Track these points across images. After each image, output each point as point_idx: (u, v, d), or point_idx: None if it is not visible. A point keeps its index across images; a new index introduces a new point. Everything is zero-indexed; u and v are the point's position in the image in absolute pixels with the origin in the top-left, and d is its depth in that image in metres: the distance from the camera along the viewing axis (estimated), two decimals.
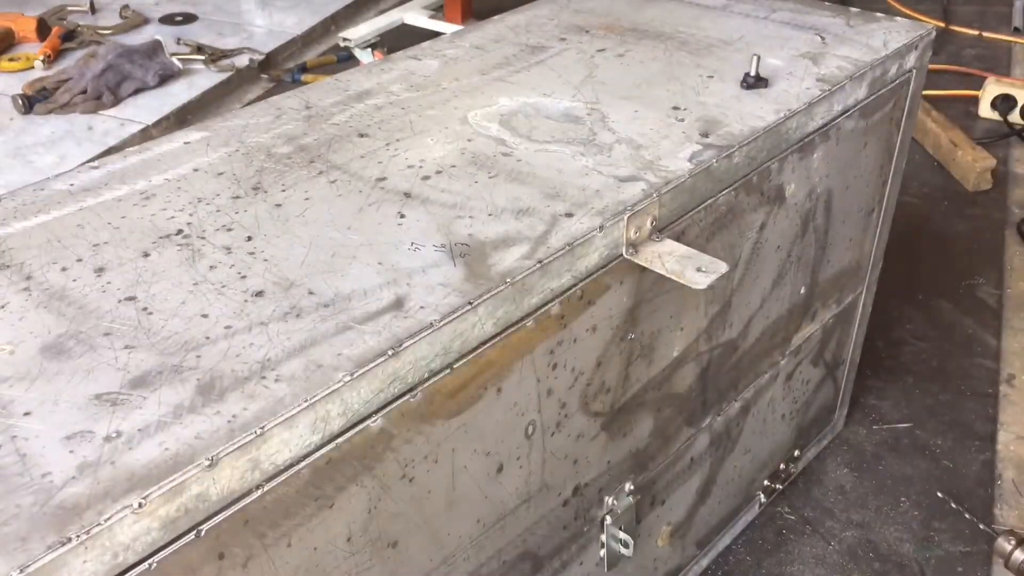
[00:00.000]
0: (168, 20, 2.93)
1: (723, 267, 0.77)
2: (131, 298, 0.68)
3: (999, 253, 1.90)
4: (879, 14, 1.19)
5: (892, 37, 1.11)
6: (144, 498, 0.51)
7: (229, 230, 0.76)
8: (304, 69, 2.67)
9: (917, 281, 1.80)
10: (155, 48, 2.56)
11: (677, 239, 0.82)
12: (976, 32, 2.94)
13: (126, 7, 2.93)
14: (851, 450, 1.43)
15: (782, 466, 1.30)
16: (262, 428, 0.56)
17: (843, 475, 1.39)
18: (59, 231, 0.76)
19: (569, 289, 0.76)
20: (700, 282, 0.76)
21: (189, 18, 2.96)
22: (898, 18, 1.17)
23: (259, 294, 0.68)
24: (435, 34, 2.07)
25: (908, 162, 1.26)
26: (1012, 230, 1.96)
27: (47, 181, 0.84)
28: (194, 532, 0.54)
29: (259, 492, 0.57)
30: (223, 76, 2.59)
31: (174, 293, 0.68)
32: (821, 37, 1.12)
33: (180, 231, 0.76)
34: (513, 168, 0.85)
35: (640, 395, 0.91)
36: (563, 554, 0.91)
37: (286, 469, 0.59)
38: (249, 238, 0.75)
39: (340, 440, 0.61)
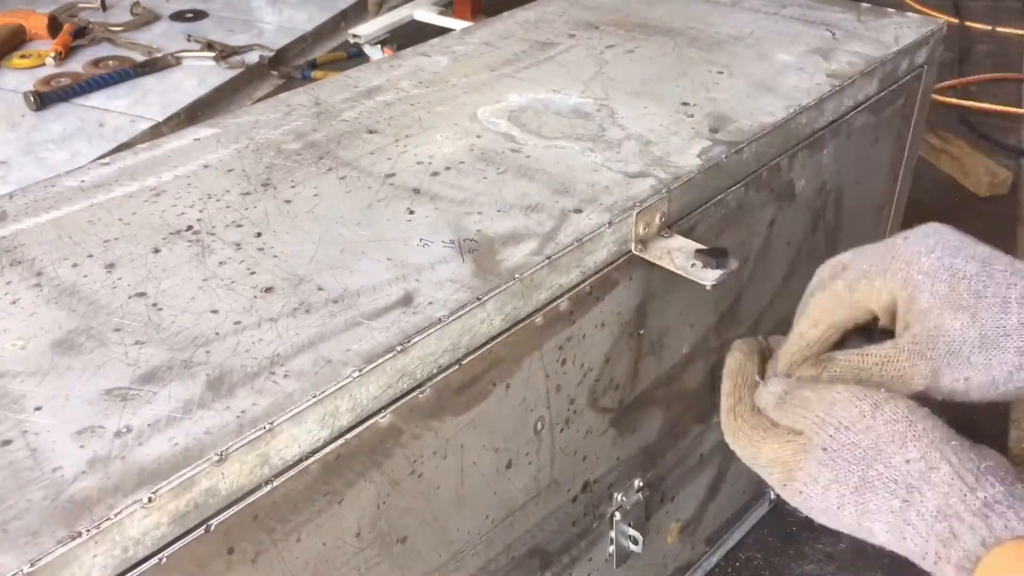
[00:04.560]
0: (179, 17, 2.94)
1: (733, 263, 0.77)
2: (141, 294, 0.68)
3: (1012, 250, 1.89)
4: (890, 9, 1.18)
5: (903, 32, 1.10)
6: (154, 493, 0.51)
7: (239, 226, 0.76)
8: (314, 66, 2.67)
9: None
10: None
11: (686, 235, 0.82)
12: (989, 27, 2.93)
13: (137, 3, 2.94)
14: None
15: None
16: (271, 423, 0.56)
17: None
18: (70, 227, 0.77)
19: (578, 285, 0.76)
20: (709, 278, 0.76)
21: (199, 15, 2.96)
22: (909, 13, 1.17)
23: (268, 290, 0.68)
24: (444, 30, 2.08)
25: (917, 160, 1.26)
26: None
27: (58, 178, 0.84)
28: (204, 527, 0.55)
29: (268, 487, 0.57)
30: (233, 73, 2.59)
31: (184, 289, 0.69)
32: (832, 32, 1.11)
33: (190, 227, 0.76)
34: (522, 164, 0.85)
35: (649, 391, 0.91)
36: (572, 550, 0.91)
37: (295, 464, 0.59)
38: (259, 234, 0.75)
39: (349, 436, 0.61)
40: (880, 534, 0.54)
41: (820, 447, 0.57)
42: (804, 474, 0.57)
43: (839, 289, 0.62)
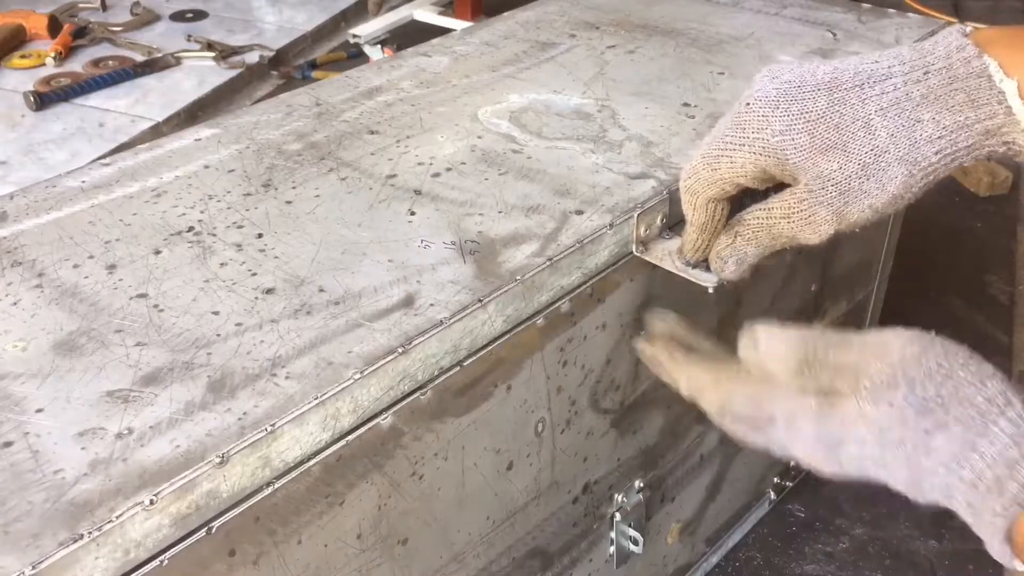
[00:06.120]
0: (179, 17, 2.94)
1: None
2: (142, 295, 0.68)
3: (1011, 249, 1.89)
4: (891, 10, 1.18)
5: (904, 33, 1.10)
6: (155, 495, 0.51)
7: (240, 227, 0.76)
8: (314, 66, 2.66)
9: (928, 278, 1.80)
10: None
11: None
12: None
13: (137, 3, 2.94)
14: None
15: (792, 464, 1.30)
16: (273, 425, 0.56)
17: None
18: (71, 228, 0.76)
19: (579, 286, 0.76)
20: (709, 280, 0.76)
21: (199, 15, 2.96)
22: (910, 14, 1.17)
23: (269, 291, 0.68)
24: (445, 30, 2.07)
25: None
26: None
27: (59, 178, 0.84)
28: (205, 529, 0.55)
29: (270, 489, 0.57)
30: (233, 73, 2.59)
31: (185, 290, 0.68)
32: (832, 33, 1.11)
33: (191, 228, 0.76)
34: (523, 165, 0.85)
35: (650, 392, 0.91)
36: (573, 551, 0.91)
37: (296, 466, 0.59)
38: (260, 235, 0.75)
39: (350, 437, 0.61)
40: (936, 467, 0.53)
41: (884, 401, 0.56)
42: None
43: (700, 170, 0.61)
